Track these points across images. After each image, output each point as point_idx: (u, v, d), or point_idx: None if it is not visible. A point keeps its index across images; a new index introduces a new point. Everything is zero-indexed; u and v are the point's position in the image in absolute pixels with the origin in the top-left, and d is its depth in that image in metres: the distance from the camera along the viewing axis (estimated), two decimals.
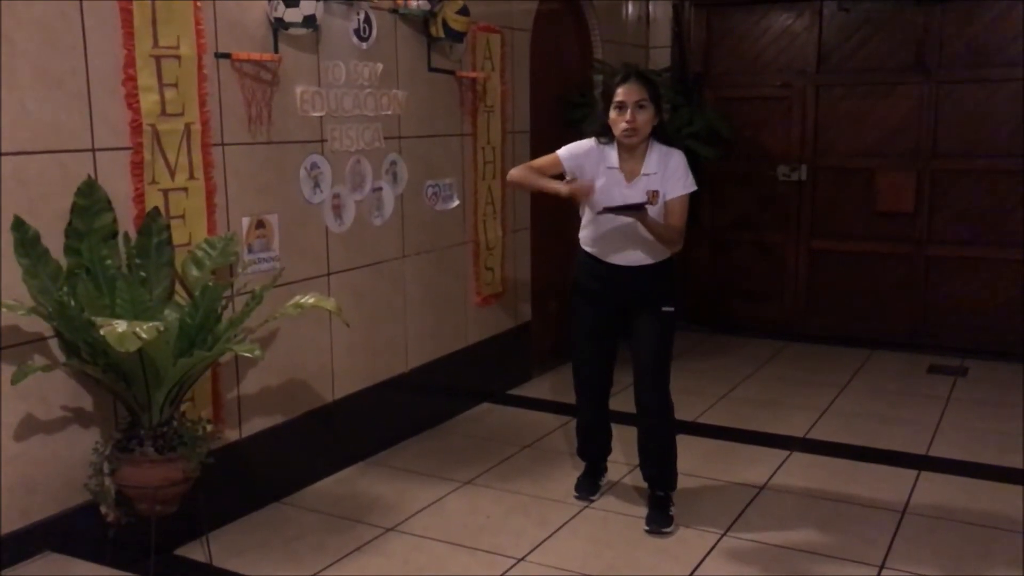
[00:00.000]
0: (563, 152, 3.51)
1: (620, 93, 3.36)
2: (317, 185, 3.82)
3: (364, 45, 3.99)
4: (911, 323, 6.13)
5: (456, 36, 4.39)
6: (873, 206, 6.12)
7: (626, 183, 3.43)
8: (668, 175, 3.41)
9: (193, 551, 3.21)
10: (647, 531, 3.47)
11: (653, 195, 3.39)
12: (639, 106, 3.34)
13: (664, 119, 3.51)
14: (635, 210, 3.27)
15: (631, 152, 3.43)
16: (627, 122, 3.34)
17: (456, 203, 4.70)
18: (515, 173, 3.59)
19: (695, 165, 5.78)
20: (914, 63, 5.94)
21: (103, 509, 2.93)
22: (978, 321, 5.93)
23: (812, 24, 6.19)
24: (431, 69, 4.41)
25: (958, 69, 5.83)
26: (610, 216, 3.35)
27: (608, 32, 6.00)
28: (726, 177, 6.50)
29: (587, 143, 3.51)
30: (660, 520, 3.49)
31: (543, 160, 3.55)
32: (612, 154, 3.45)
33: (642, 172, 3.42)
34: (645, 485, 3.66)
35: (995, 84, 5.74)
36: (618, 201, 3.34)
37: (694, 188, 3.44)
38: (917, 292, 6.10)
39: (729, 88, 6.48)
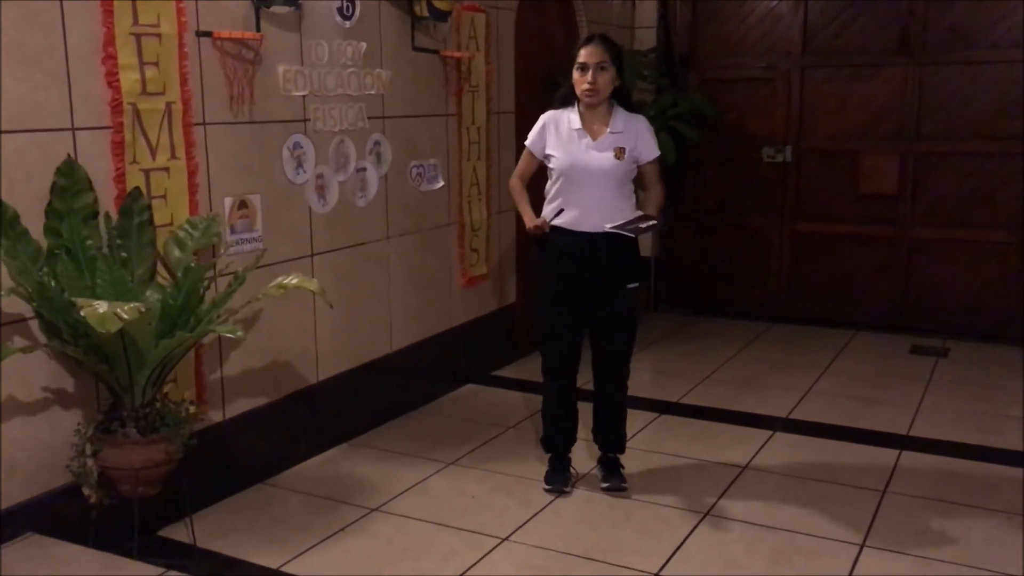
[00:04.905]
0: (529, 144, 3.64)
1: (582, 55, 3.47)
2: (300, 165, 3.79)
3: (347, 24, 3.95)
4: (893, 305, 6.16)
5: (440, 15, 4.36)
6: (857, 188, 6.13)
7: (592, 142, 3.50)
8: (639, 138, 3.54)
9: (177, 532, 3.20)
10: (605, 490, 3.63)
11: (620, 152, 3.49)
12: (600, 68, 3.44)
13: (627, 84, 3.61)
14: (642, 222, 3.40)
15: (594, 113, 3.53)
16: (588, 83, 3.44)
17: (441, 184, 4.69)
18: (511, 185, 3.76)
19: (680, 147, 5.88)
20: (898, 45, 5.94)
21: (85, 491, 2.92)
22: (959, 303, 5.97)
23: (797, 6, 6.17)
24: (415, 48, 4.38)
25: (942, 51, 5.83)
26: (579, 182, 3.49)
27: (593, 13, 5.97)
28: (710, 159, 6.50)
29: (543, 119, 3.62)
30: (619, 478, 3.67)
31: (524, 162, 3.70)
32: (574, 116, 3.55)
33: (608, 130, 3.50)
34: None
35: (979, 67, 5.75)
36: (581, 159, 3.47)
37: (659, 151, 3.62)
38: (899, 274, 6.13)
39: (714, 70, 6.47)
